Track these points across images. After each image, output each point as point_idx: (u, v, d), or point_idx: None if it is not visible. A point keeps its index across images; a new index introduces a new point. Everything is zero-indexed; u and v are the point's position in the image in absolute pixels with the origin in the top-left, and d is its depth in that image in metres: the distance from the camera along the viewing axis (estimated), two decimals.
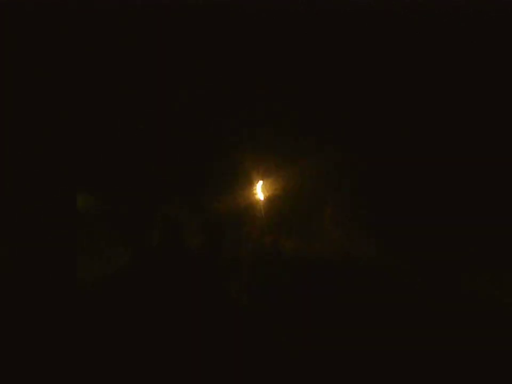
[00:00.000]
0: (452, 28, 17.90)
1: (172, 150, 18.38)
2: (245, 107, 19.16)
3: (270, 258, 18.19)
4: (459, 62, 19.32)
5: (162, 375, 5.53)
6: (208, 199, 18.37)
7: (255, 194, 20.37)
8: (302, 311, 10.56)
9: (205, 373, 5.73)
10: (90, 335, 6.62)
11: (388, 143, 20.96)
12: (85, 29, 18.86)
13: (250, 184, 20.22)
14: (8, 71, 17.26)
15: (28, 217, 12.26)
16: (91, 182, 16.51)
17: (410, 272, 18.57)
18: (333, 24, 19.59)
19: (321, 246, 20.13)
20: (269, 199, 20.89)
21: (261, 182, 20.16)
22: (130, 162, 17.70)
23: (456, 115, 20.81)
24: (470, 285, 18.37)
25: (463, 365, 6.23)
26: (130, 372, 5.52)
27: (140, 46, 18.92)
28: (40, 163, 15.32)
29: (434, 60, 20.12)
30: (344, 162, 20.68)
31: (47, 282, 8.70)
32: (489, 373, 5.94)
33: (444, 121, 21.00)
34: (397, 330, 9.22)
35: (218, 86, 19.23)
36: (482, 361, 6.39)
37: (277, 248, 19.18)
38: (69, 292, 8.23)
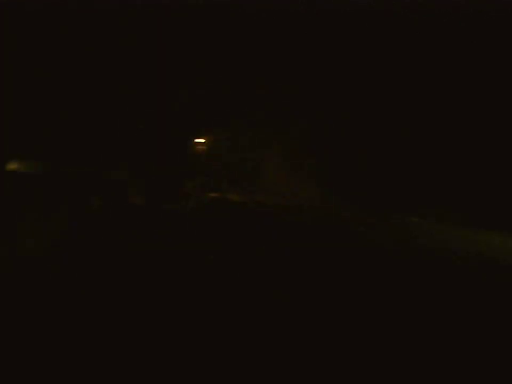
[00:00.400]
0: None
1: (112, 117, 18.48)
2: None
3: (218, 208, 18.78)
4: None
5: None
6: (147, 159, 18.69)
7: (199, 146, 20.83)
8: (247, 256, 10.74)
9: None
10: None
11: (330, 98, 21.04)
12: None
13: (193, 137, 20.66)
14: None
15: None
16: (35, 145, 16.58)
17: (351, 218, 19.38)
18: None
19: (267, 195, 20.88)
20: (211, 152, 21.35)
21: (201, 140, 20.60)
22: (80, 129, 17.76)
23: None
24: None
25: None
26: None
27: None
28: None
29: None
30: (284, 117, 21.11)
31: None
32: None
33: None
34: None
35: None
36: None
37: (224, 198, 19.84)
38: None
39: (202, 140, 20.93)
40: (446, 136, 19.89)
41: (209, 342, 5.40)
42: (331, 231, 16.04)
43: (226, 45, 19.46)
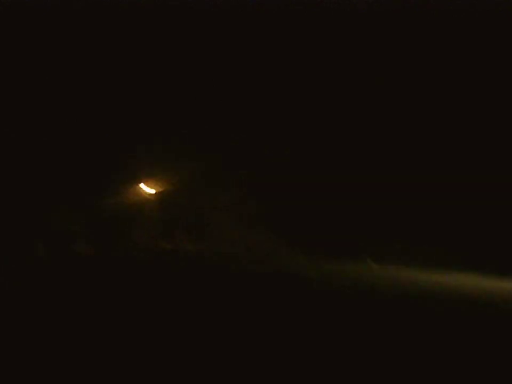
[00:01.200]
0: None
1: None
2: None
3: (169, 257, 17.88)
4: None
5: None
6: (96, 202, 17.56)
7: (143, 191, 19.91)
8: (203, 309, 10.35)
9: None
10: None
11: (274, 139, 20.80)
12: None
13: (138, 181, 19.69)
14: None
15: None
16: None
17: (309, 263, 19.03)
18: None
19: (220, 243, 20.13)
20: (160, 196, 20.38)
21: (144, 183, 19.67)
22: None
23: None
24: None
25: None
26: None
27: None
28: None
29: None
30: (235, 162, 20.66)
31: None
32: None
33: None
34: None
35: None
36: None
37: (175, 247, 18.86)
38: None
39: (150, 187, 20.10)
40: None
41: None
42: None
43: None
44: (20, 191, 14.70)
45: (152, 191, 20.07)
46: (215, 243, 19.73)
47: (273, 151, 20.39)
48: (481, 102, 18.15)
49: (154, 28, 16.46)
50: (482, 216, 19.88)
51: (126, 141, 18.34)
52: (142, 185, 19.87)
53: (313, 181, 20.81)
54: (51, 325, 7.65)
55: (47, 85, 16.03)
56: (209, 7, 15.47)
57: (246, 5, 15.79)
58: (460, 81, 17.83)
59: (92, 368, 5.74)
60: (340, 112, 19.41)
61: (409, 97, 18.59)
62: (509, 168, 19.29)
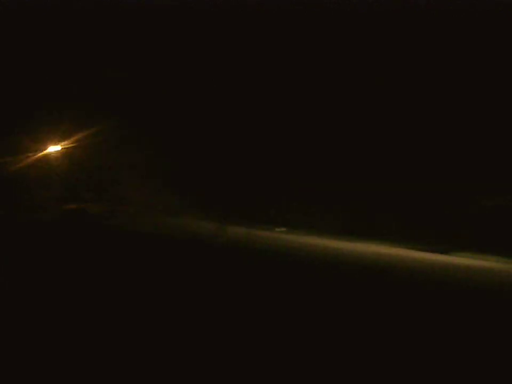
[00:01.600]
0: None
1: None
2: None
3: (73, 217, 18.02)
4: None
5: None
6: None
7: (53, 153, 19.72)
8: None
9: None
10: None
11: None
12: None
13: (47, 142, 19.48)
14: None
15: None
16: None
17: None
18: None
19: (125, 204, 20.41)
20: (67, 160, 20.25)
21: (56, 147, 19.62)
22: None
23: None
24: None
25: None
26: None
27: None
28: None
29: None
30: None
31: None
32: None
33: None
34: None
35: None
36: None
37: (82, 210, 18.99)
38: None
39: (57, 147, 19.94)
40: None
41: None
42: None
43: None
44: None
45: (58, 149, 19.89)
46: (118, 202, 20.20)
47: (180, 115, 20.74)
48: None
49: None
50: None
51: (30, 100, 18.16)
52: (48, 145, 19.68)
53: (227, 150, 21.55)
54: None
55: None
56: None
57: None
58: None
59: None
60: None
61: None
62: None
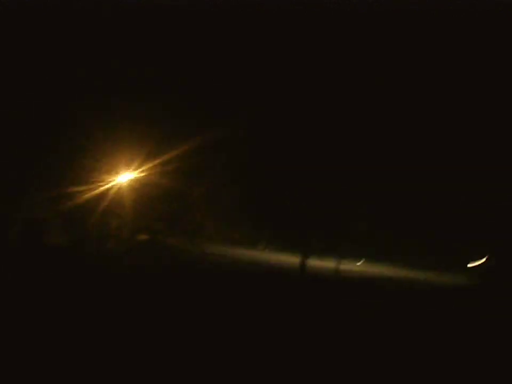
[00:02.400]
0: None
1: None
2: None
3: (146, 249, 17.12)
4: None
5: None
6: (66, 194, 16.57)
7: (119, 186, 19.01)
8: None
9: None
10: None
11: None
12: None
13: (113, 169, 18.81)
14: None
15: None
16: None
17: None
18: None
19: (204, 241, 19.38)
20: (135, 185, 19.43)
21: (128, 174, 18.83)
22: None
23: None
24: None
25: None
26: None
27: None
28: None
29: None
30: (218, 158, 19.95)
31: None
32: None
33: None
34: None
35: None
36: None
37: (152, 238, 17.99)
38: None
39: (129, 175, 19.12)
40: None
41: None
42: None
43: None
44: None
45: (130, 177, 19.12)
46: (192, 233, 19.04)
47: None
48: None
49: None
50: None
51: (101, 127, 17.63)
52: (117, 174, 18.99)
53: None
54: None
55: None
56: None
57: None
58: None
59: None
60: None
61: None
62: None
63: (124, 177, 19.86)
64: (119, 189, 19.60)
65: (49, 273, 11.12)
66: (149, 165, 19.81)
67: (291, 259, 18.24)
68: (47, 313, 7.79)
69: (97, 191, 18.43)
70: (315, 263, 17.93)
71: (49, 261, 12.47)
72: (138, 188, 20.06)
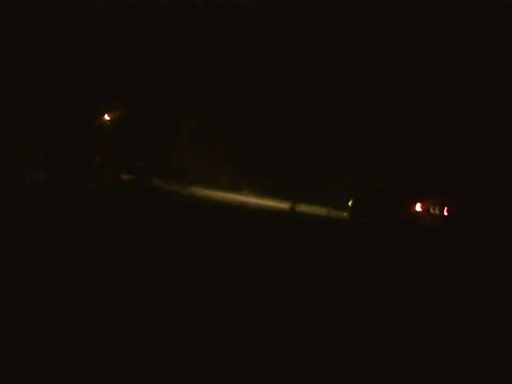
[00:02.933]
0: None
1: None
2: None
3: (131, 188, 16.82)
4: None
5: None
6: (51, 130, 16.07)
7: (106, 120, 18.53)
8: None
9: None
10: None
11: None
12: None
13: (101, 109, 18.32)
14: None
15: None
16: None
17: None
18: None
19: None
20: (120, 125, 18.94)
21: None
22: None
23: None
24: None
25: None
26: None
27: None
28: None
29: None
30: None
31: None
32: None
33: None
34: None
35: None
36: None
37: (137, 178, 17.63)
38: None
39: (111, 114, 18.56)
40: None
41: None
42: None
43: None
44: None
45: (112, 115, 18.52)
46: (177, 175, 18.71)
47: None
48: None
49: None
50: None
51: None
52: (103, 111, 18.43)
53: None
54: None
55: None
56: None
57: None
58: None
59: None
60: None
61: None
62: None
63: (110, 114, 19.33)
64: (104, 126, 19.10)
65: (26, 211, 10.76)
66: (137, 102, 19.32)
67: (279, 205, 18.23)
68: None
69: (81, 128, 17.95)
70: (304, 209, 18.00)
71: (26, 197, 12.08)
72: (124, 125, 19.58)
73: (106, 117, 18.64)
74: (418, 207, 19.02)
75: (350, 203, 18.62)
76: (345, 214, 18.85)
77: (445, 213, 19.13)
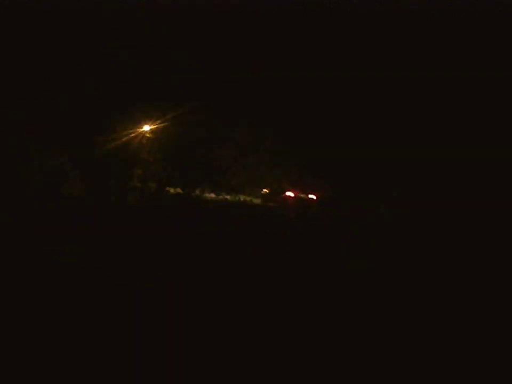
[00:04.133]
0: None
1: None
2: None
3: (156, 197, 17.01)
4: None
5: None
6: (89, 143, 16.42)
7: (146, 135, 18.87)
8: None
9: None
10: None
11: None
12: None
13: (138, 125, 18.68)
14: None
15: None
16: None
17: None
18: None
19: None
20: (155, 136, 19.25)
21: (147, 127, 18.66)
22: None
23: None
24: None
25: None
26: None
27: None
28: None
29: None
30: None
31: None
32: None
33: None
34: None
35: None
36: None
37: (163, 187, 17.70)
38: None
39: (154, 125, 18.84)
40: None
41: None
42: None
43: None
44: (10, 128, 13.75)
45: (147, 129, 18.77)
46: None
47: None
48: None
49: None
50: None
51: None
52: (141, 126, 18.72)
53: None
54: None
55: None
56: None
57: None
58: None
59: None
60: None
61: None
62: None
63: (147, 126, 19.59)
64: (142, 138, 19.39)
65: (65, 223, 11.08)
66: (171, 115, 19.49)
67: None
68: (63, 264, 7.59)
69: (119, 141, 18.27)
70: None
71: (65, 210, 12.57)
72: (168, 135, 19.62)
73: (147, 127, 18.89)
74: (289, 193, 28.78)
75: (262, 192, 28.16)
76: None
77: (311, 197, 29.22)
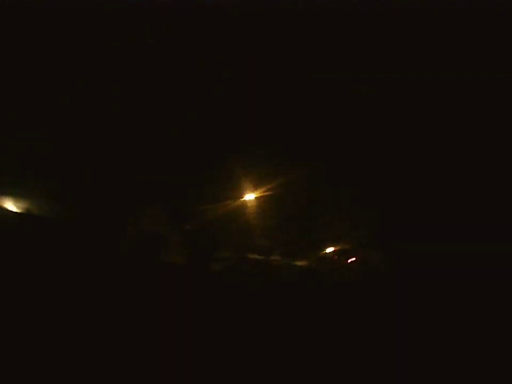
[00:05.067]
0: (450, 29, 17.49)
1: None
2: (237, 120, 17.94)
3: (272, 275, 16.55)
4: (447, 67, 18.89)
5: None
6: (192, 209, 16.59)
7: (246, 203, 18.61)
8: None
9: None
10: None
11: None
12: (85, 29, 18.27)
13: (241, 193, 18.52)
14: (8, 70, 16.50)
15: None
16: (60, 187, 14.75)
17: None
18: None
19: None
20: (262, 207, 18.99)
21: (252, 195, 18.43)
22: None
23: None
24: None
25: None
26: None
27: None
28: None
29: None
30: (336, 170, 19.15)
31: None
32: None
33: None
34: None
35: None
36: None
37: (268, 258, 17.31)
38: None
39: (253, 194, 18.69)
40: None
41: None
42: None
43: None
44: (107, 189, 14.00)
45: (251, 197, 18.64)
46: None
47: None
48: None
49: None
50: None
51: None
52: (243, 192, 18.64)
53: None
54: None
55: None
56: None
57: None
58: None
59: None
60: None
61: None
62: None
63: (250, 195, 19.46)
64: (246, 206, 19.22)
65: (163, 290, 10.84)
66: (275, 183, 19.22)
67: None
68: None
69: (223, 209, 18.25)
70: None
71: (164, 277, 12.24)
72: (265, 206, 19.46)
73: (249, 196, 18.81)
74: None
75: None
76: None
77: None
